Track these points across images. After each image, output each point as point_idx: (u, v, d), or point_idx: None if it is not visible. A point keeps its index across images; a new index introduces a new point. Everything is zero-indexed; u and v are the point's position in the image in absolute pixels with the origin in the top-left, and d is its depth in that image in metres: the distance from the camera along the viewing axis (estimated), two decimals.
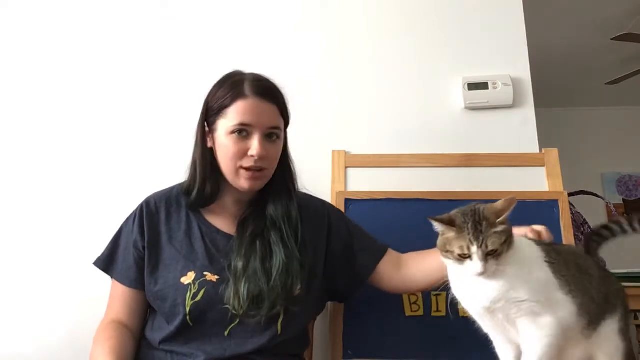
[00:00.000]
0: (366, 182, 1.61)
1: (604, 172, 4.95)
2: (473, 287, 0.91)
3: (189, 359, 1.10)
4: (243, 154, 1.12)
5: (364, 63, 1.75)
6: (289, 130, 1.71)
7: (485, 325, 0.96)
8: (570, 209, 1.64)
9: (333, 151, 1.65)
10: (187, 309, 1.09)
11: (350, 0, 1.80)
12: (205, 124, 1.17)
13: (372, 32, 1.77)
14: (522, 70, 1.71)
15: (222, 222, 1.21)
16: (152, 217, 1.21)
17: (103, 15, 1.80)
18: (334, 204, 1.55)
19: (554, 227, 1.49)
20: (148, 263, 1.17)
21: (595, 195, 2.21)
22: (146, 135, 1.68)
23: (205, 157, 1.17)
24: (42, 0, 1.81)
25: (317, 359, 1.41)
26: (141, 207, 1.23)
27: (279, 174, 1.21)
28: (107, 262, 1.23)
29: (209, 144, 1.17)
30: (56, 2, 1.80)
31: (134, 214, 1.24)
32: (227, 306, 1.08)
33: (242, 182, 1.14)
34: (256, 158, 1.11)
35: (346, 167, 1.63)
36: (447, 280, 0.98)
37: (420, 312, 1.46)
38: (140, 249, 1.19)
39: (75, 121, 1.71)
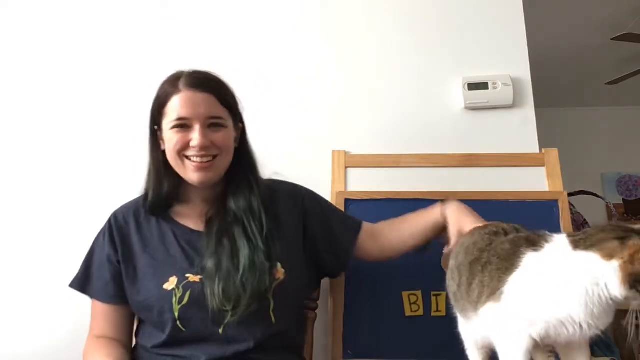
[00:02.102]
0: (366, 182, 1.61)
1: (604, 172, 4.95)
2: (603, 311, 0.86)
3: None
4: (185, 145, 1.12)
5: (364, 63, 1.75)
6: (291, 130, 1.70)
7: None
8: (570, 209, 1.64)
9: (333, 151, 1.65)
10: (176, 314, 1.08)
11: (351, 0, 1.80)
12: (156, 127, 1.18)
13: (372, 32, 1.77)
14: (522, 70, 1.71)
15: (194, 221, 1.19)
16: (122, 229, 1.20)
17: (103, 15, 1.80)
18: (334, 204, 1.56)
19: (554, 227, 1.49)
20: (126, 276, 1.16)
21: (595, 195, 2.21)
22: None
23: (158, 158, 1.18)
24: (42, 0, 1.81)
25: (317, 359, 1.41)
26: (109, 221, 1.22)
27: (237, 166, 1.20)
28: (82, 282, 1.21)
29: (162, 147, 1.18)
30: (56, 2, 1.80)
31: (103, 229, 1.23)
32: (219, 312, 1.07)
33: (191, 175, 1.14)
34: (197, 148, 1.11)
35: (346, 167, 1.63)
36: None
37: (420, 312, 1.46)
38: (115, 263, 1.18)
39: (74, 122, 1.71)
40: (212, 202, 1.20)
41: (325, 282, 1.49)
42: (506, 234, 0.98)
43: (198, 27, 1.79)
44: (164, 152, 1.17)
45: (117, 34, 1.78)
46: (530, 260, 0.90)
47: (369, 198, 1.54)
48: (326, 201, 1.34)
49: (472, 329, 0.99)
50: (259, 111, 1.71)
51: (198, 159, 1.12)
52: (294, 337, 1.22)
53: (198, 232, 1.17)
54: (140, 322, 1.21)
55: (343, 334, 1.44)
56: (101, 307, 1.20)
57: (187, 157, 1.13)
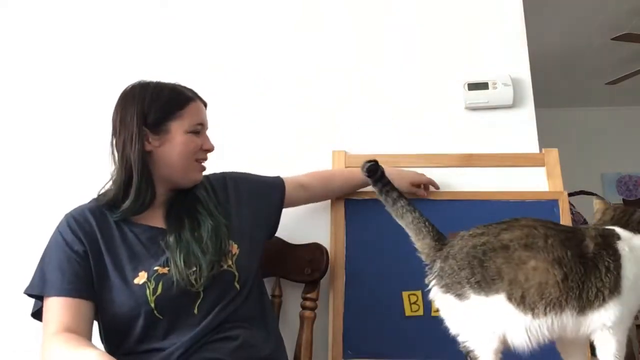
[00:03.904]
0: None
1: (604, 172, 4.94)
2: None
3: (176, 346, 1.11)
4: (199, 148, 1.24)
5: (364, 63, 1.75)
6: (291, 130, 1.69)
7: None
8: (571, 209, 1.64)
9: (333, 151, 1.65)
10: (153, 305, 1.12)
11: (350, 0, 1.80)
12: (144, 128, 1.18)
13: (372, 32, 1.77)
14: (522, 70, 1.71)
15: (154, 219, 1.22)
16: (83, 226, 1.17)
17: (103, 15, 1.80)
18: (333, 202, 1.56)
19: None
20: (95, 270, 1.14)
21: (595, 195, 2.20)
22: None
23: (144, 159, 1.18)
24: (42, 0, 1.81)
25: (317, 359, 1.42)
26: (67, 221, 1.19)
27: None
28: (40, 285, 1.14)
29: (147, 148, 1.18)
30: (56, 2, 1.81)
31: (59, 230, 1.18)
32: (187, 288, 1.13)
33: (195, 174, 1.25)
34: (208, 152, 1.26)
35: (346, 167, 1.63)
36: None
37: (420, 312, 1.46)
38: (82, 253, 1.14)
39: (75, 121, 1.71)
40: (171, 200, 1.25)
41: (325, 282, 1.49)
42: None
43: (198, 27, 1.79)
44: (147, 153, 1.18)
45: (117, 34, 1.78)
46: (625, 251, 0.97)
47: (369, 198, 1.54)
48: (247, 174, 1.42)
49: (532, 327, 0.94)
50: (259, 111, 1.72)
51: (204, 161, 1.26)
52: (258, 305, 1.27)
53: (158, 228, 1.21)
54: (106, 331, 1.18)
55: (343, 334, 1.44)
56: (64, 301, 1.11)
57: (196, 159, 1.24)
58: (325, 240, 1.52)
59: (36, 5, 1.81)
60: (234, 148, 1.61)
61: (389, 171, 1.43)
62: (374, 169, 1.11)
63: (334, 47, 1.77)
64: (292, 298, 1.48)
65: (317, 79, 1.74)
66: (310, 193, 1.48)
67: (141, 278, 1.14)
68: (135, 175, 1.16)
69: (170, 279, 1.13)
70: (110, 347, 1.17)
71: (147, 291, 1.12)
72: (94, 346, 1.05)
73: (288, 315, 1.48)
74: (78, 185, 1.47)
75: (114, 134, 1.20)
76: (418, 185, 1.54)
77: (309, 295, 1.43)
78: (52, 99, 1.73)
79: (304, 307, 1.43)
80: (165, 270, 1.15)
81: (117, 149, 1.19)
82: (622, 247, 0.98)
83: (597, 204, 1.15)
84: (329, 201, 1.57)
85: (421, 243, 1.07)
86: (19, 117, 1.72)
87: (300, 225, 1.55)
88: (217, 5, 1.80)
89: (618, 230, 1.02)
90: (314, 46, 1.77)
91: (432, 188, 1.58)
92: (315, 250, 1.47)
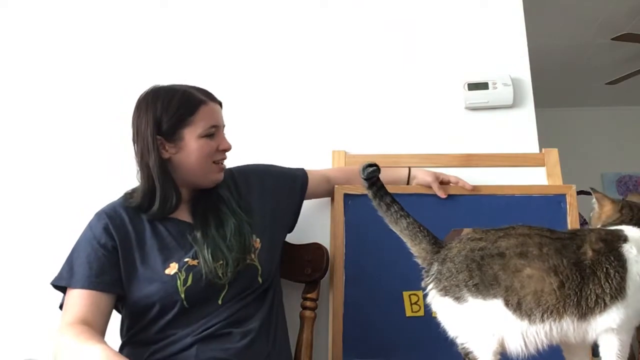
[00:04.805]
0: None
1: (604, 172, 4.95)
2: None
3: (193, 332, 1.14)
4: (215, 151, 1.25)
5: (364, 63, 1.75)
6: (289, 130, 1.68)
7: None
8: None
9: (333, 151, 1.65)
10: (182, 295, 1.16)
11: (350, 0, 1.80)
12: (159, 137, 1.20)
13: (372, 31, 1.77)
14: (522, 70, 1.71)
15: (182, 213, 1.27)
16: (114, 221, 1.21)
17: (103, 15, 1.80)
18: (333, 202, 1.56)
19: (560, 222, 1.49)
20: (124, 263, 1.18)
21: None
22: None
23: (164, 168, 1.20)
24: (42, 0, 1.81)
25: (317, 359, 1.41)
26: (98, 217, 1.23)
27: None
28: (68, 277, 1.17)
29: (165, 155, 1.21)
30: (56, 2, 1.81)
31: (91, 225, 1.22)
32: (215, 280, 1.17)
33: (215, 176, 1.27)
34: (226, 152, 1.27)
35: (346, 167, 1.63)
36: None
37: (421, 313, 1.46)
38: (111, 249, 1.18)
39: (71, 122, 1.71)
40: (195, 199, 1.29)
41: (325, 282, 1.49)
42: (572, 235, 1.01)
43: (198, 27, 1.79)
44: (166, 160, 1.21)
45: (117, 34, 1.78)
46: (631, 254, 0.96)
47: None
48: (271, 166, 1.45)
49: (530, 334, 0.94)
50: (259, 111, 1.71)
51: (222, 162, 1.28)
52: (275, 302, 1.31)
53: (186, 222, 1.25)
54: (130, 321, 1.21)
55: (343, 334, 1.44)
56: (86, 293, 1.15)
57: (214, 161, 1.25)
58: (325, 240, 1.52)
59: (36, 5, 1.81)
60: (234, 148, 1.60)
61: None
62: (374, 176, 1.10)
63: (334, 47, 1.76)
64: (292, 298, 1.48)
65: (317, 78, 1.74)
66: (332, 186, 1.52)
67: (172, 269, 1.17)
68: (157, 182, 1.20)
69: (200, 271, 1.17)
70: (128, 336, 1.20)
71: (178, 282, 1.16)
72: (102, 341, 1.07)
73: (288, 315, 1.47)
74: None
75: (133, 141, 1.23)
76: (444, 182, 1.53)
77: (309, 295, 1.43)
78: (50, 98, 1.73)
79: (304, 307, 1.43)
80: (195, 262, 1.19)
81: (136, 156, 1.22)
82: (628, 249, 0.97)
83: (606, 203, 1.15)
84: (329, 201, 1.57)
85: (417, 248, 1.07)
86: (24, 119, 1.72)
87: (300, 225, 1.55)
88: (217, 6, 1.80)
89: (628, 231, 1.01)
90: (314, 46, 1.77)
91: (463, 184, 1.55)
92: (315, 250, 1.47)
